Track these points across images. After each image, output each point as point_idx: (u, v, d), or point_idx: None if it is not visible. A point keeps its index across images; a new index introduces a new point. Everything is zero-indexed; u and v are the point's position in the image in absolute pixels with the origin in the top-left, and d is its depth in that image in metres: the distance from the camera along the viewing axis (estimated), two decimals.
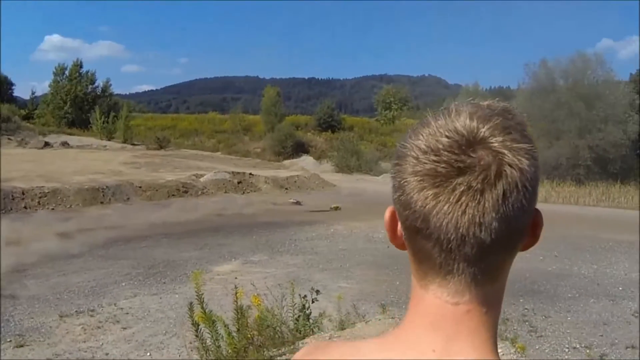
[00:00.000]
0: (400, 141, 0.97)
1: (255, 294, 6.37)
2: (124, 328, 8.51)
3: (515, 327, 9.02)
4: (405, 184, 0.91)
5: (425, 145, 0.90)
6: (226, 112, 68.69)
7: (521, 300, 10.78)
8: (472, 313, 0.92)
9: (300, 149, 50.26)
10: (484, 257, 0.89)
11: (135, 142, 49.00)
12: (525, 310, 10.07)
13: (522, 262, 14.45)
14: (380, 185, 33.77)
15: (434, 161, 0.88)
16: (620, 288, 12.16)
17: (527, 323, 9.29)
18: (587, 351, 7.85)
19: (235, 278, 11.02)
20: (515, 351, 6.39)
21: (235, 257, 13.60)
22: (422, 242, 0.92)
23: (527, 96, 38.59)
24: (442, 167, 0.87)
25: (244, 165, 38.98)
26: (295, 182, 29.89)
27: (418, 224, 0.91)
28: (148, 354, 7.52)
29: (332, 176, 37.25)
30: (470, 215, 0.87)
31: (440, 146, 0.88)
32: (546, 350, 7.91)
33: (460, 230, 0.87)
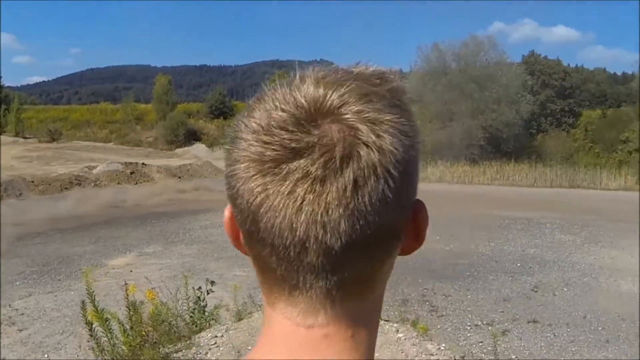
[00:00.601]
0: (234, 121, 0.85)
1: (150, 288, 6.43)
2: (20, 330, 9.00)
3: (415, 308, 10.18)
4: (232, 173, 0.78)
5: (257, 123, 0.77)
6: (118, 101, 70.49)
7: (420, 281, 12.00)
8: (331, 338, 0.77)
9: (192, 137, 55.05)
10: (337, 267, 0.75)
11: (27, 136, 52.37)
12: (425, 291, 11.30)
13: None
14: None
15: (264, 142, 0.74)
16: (519, 264, 13.70)
17: (427, 303, 10.52)
18: (490, 328, 8.91)
19: (131, 271, 11.88)
20: (417, 334, 6.70)
21: (129, 250, 14.36)
22: (258, 248, 0.79)
23: (419, 79, 40.86)
24: (273, 149, 0.73)
25: (137, 155, 40.95)
26: (188, 170, 30.95)
27: (248, 225, 0.77)
28: (45, 355, 7.95)
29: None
30: (309, 213, 0.71)
31: (274, 123, 0.74)
32: (448, 330, 8.94)
33: (298, 232, 0.72)
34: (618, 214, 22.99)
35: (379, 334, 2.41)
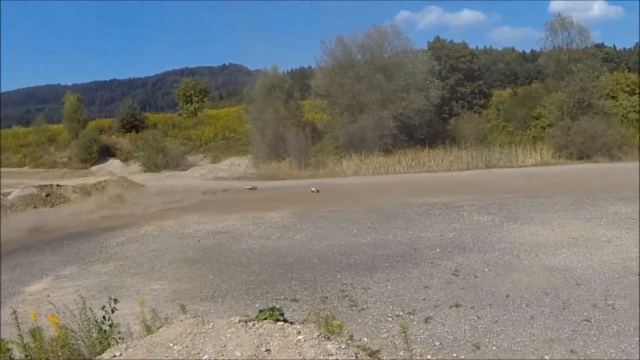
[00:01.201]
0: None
1: (54, 313, 6.09)
2: None
3: (335, 304, 10.09)
4: None
5: None
6: (31, 124, 66.54)
7: (339, 276, 11.94)
8: None
9: (106, 153, 54.51)
10: None
11: None
12: (344, 286, 11.22)
13: (336, 238, 15.36)
14: (188, 179, 36.79)
15: None
16: (438, 250, 13.79)
17: (347, 298, 10.43)
18: (411, 317, 8.69)
19: (48, 296, 11.35)
20: (319, 335, 6.48)
21: (46, 274, 13.89)
22: None
23: (326, 73, 41.22)
24: None
25: (52, 177, 41.22)
26: (103, 187, 30.18)
27: None
28: None
29: (141, 176, 39.68)
30: None
31: None
32: (369, 323, 8.96)
33: None
34: (535, 190, 23.56)
35: (278, 337, 2.08)
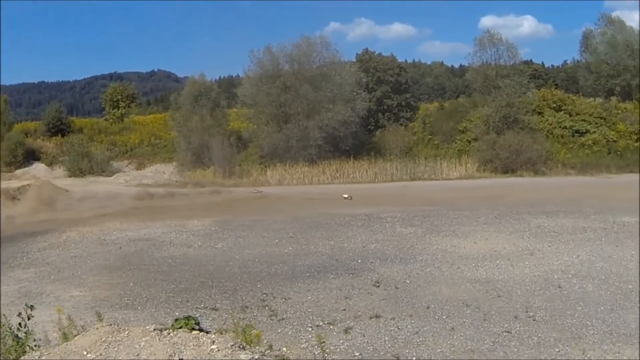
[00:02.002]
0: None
1: None
2: None
3: (255, 314, 10.03)
4: None
5: None
6: None
7: (259, 286, 11.94)
8: None
9: (31, 156, 52.62)
10: None
11: None
12: (264, 295, 11.19)
13: (258, 247, 15.24)
14: (113, 185, 36.08)
15: None
16: (359, 261, 13.85)
17: (267, 308, 10.42)
18: (331, 327, 8.65)
19: None
20: (233, 344, 6.37)
21: None
22: None
23: (253, 83, 41.25)
24: None
25: None
26: (27, 191, 29.27)
27: None
28: None
29: (65, 181, 38.81)
30: None
31: None
32: (289, 333, 8.90)
33: None
34: (458, 203, 23.95)
35: (192, 346, 1.96)
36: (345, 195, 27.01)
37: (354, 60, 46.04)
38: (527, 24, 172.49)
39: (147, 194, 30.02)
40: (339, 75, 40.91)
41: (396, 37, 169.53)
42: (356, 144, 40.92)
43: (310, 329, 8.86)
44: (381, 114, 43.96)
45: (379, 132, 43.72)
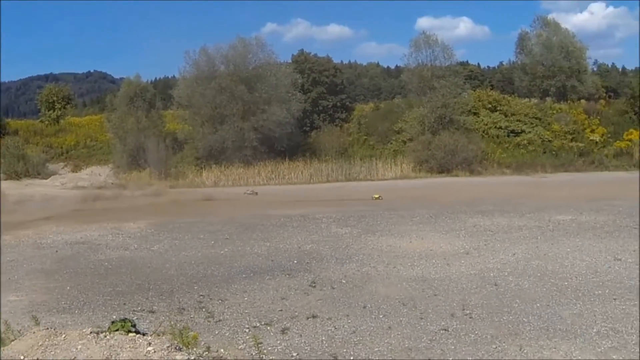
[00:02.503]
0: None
1: None
2: None
3: (192, 316, 9.89)
4: None
5: None
6: None
7: (196, 288, 11.81)
8: None
9: None
10: None
11: None
12: (201, 297, 11.07)
13: (194, 249, 15.20)
14: (49, 188, 35.66)
15: None
16: (295, 261, 13.84)
17: (204, 310, 10.25)
18: (268, 328, 8.63)
19: None
20: (169, 346, 6.31)
21: None
22: None
23: (188, 84, 41.14)
24: None
25: None
26: None
27: None
28: None
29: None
30: None
31: None
32: (226, 334, 8.91)
33: None
34: (393, 203, 24.18)
35: (128, 348, 1.92)
36: (376, 196, 27.17)
37: (290, 61, 46.18)
38: (464, 26, 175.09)
39: (86, 196, 29.56)
40: (274, 77, 41.00)
41: (333, 38, 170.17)
42: (291, 145, 41.05)
43: (247, 330, 8.78)
44: (316, 115, 44.16)
45: (314, 133, 43.88)
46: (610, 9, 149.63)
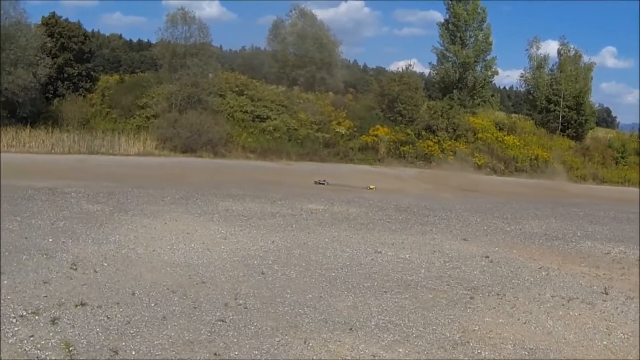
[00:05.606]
0: None
1: None
2: None
3: None
4: None
5: None
6: None
7: None
8: None
9: None
10: None
11: None
12: None
13: None
14: None
15: None
16: (50, 240, 12.72)
17: None
18: (37, 317, 7.72)
19: None
20: None
21: None
22: None
23: None
24: None
25: None
26: None
27: None
28: None
29: None
30: None
31: None
32: None
33: None
34: (142, 180, 23.50)
35: None
36: (372, 186, 27.57)
37: (39, 23, 43.27)
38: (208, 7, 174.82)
39: None
40: (24, 38, 38.10)
41: (80, 3, 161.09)
42: (34, 111, 38.53)
43: (14, 320, 7.79)
44: (61, 82, 41.83)
45: (57, 101, 41.54)
46: (358, 7, 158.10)
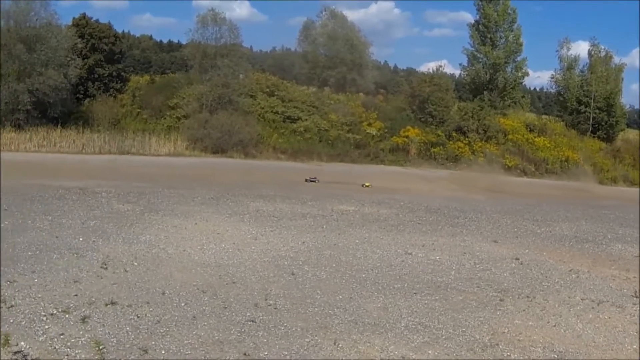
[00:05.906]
0: None
1: None
2: None
3: None
4: None
5: None
6: None
7: None
8: None
9: None
10: None
11: None
12: None
13: None
14: None
15: None
16: (81, 239, 12.85)
17: None
18: (67, 316, 7.79)
19: None
20: None
21: None
22: None
23: None
24: None
25: None
26: None
27: None
28: None
29: None
30: None
31: None
32: (22, 323, 7.91)
33: None
34: (172, 181, 23.54)
35: None
36: (367, 184, 27.37)
37: (70, 24, 43.70)
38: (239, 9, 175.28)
39: None
40: (55, 38, 38.50)
41: (110, 6, 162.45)
42: (65, 112, 38.85)
43: (44, 318, 7.82)
44: (91, 83, 42.13)
45: (87, 102, 41.84)
46: (388, 8, 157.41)
